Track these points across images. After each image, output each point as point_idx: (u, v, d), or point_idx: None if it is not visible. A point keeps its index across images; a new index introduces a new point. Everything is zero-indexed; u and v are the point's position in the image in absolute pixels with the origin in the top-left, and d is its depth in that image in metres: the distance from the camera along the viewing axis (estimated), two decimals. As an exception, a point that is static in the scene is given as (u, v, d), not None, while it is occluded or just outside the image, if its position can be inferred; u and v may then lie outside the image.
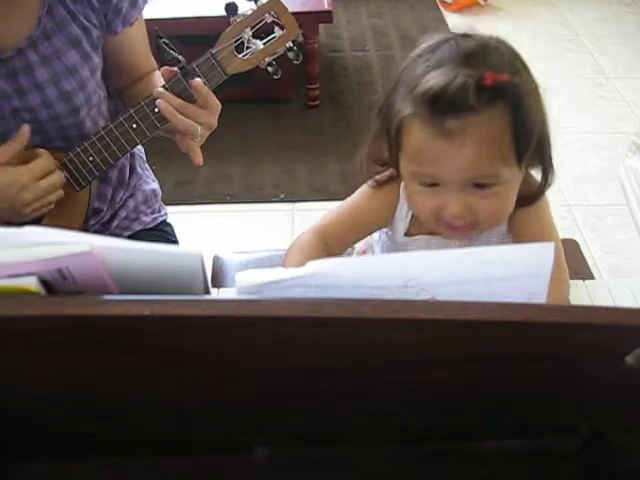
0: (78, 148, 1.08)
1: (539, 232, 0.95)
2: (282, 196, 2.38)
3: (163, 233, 1.32)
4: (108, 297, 0.49)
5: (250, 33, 1.07)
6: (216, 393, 0.59)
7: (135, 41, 1.16)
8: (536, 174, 0.91)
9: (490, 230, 0.94)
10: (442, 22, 3.38)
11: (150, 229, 1.30)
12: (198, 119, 1.05)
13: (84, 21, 1.07)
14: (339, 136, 2.62)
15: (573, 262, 1.27)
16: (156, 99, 1.04)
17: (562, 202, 2.28)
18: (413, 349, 0.53)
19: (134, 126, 1.07)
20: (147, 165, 1.35)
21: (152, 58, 1.22)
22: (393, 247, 1.02)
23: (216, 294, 1.08)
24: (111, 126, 1.07)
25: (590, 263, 1.37)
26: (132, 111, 1.06)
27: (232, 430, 0.67)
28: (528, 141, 0.82)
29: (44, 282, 0.51)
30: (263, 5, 1.06)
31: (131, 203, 1.27)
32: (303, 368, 0.56)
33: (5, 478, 0.68)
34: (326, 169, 2.48)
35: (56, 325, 0.49)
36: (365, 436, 0.68)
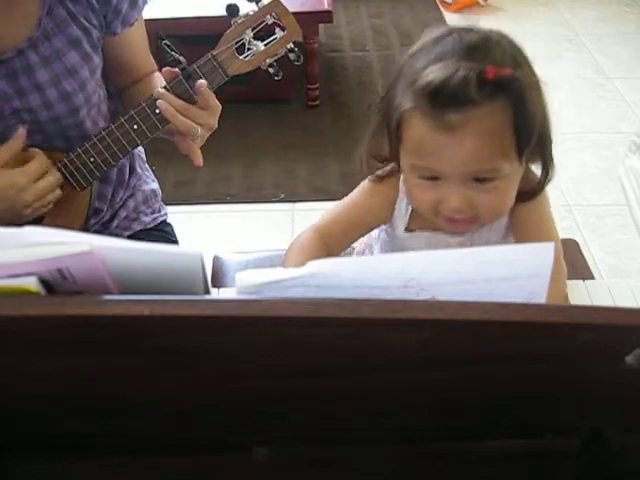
0: (79, 149, 1.08)
1: (538, 228, 0.95)
2: (282, 196, 2.38)
3: (163, 233, 1.32)
4: (108, 297, 0.49)
5: (251, 34, 1.07)
6: (216, 393, 0.59)
7: (135, 42, 1.16)
8: (536, 169, 0.91)
9: (490, 225, 0.94)
10: (442, 22, 3.38)
11: (150, 229, 1.30)
12: (199, 120, 1.05)
13: (84, 22, 1.07)
14: (339, 136, 2.62)
15: (573, 262, 1.27)
16: (157, 100, 1.04)
17: (562, 202, 2.28)
18: (413, 349, 0.53)
19: (135, 127, 1.07)
20: (147, 165, 1.35)
21: (152, 59, 1.22)
22: (392, 244, 1.02)
23: (216, 294, 1.08)
24: (112, 127, 1.07)
25: (590, 263, 1.37)
26: (133, 112, 1.06)
27: (232, 430, 0.67)
28: (529, 135, 0.81)
29: (44, 282, 0.51)
30: (264, 6, 1.06)
31: (131, 203, 1.28)
32: (303, 368, 0.56)
33: (5, 478, 0.68)
34: (326, 169, 2.48)
35: (56, 325, 0.49)
36: (365, 436, 0.68)
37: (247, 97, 2.65)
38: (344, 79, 3.00)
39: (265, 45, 1.08)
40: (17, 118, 1.07)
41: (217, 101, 1.07)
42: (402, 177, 0.94)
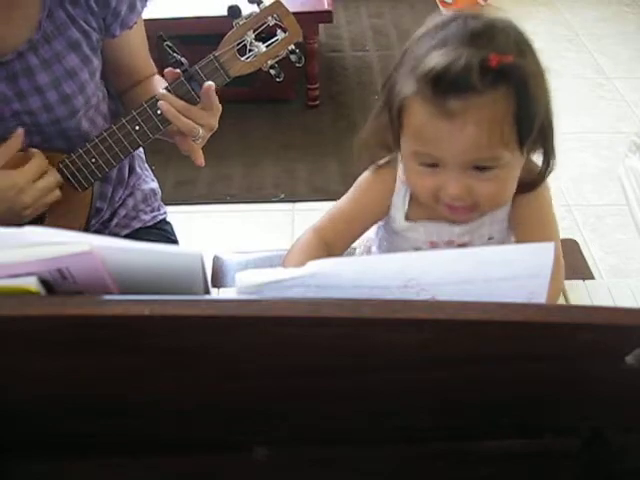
0: (80, 149, 1.08)
1: (539, 219, 0.95)
2: (282, 196, 2.38)
3: (162, 232, 1.32)
4: (108, 297, 0.49)
5: (252, 36, 1.07)
6: (216, 393, 0.59)
7: (134, 44, 1.17)
8: (537, 160, 0.90)
9: (492, 216, 0.93)
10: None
11: (149, 227, 1.31)
12: (200, 121, 1.06)
13: (83, 25, 1.07)
14: (339, 136, 2.62)
15: (573, 262, 1.27)
16: (158, 101, 1.04)
17: (562, 202, 2.28)
18: (413, 349, 0.53)
19: (137, 128, 1.07)
20: (146, 165, 1.36)
21: (151, 62, 1.22)
22: (391, 239, 1.01)
23: (216, 294, 1.08)
24: (114, 128, 1.07)
25: (590, 263, 1.37)
26: (135, 113, 1.06)
27: (232, 430, 0.67)
28: (531, 125, 0.81)
29: (44, 282, 0.51)
30: (265, 8, 1.06)
31: (130, 202, 1.28)
32: (303, 368, 0.56)
33: (5, 478, 0.68)
34: (326, 169, 2.48)
35: (56, 325, 0.49)
36: (365, 436, 0.68)
37: (247, 97, 2.65)
38: (344, 79, 3.00)
39: (266, 46, 1.08)
40: (17, 120, 1.07)
41: (218, 102, 1.07)
42: (400, 167, 0.94)
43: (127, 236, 1.27)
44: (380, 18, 3.49)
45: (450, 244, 0.96)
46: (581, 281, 1.05)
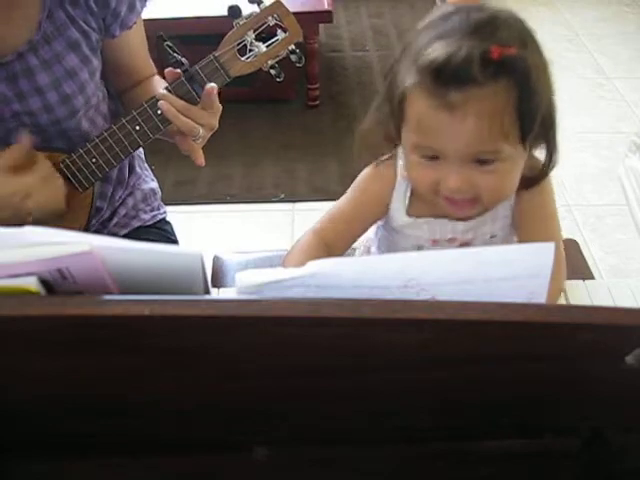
0: (81, 150, 1.08)
1: (542, 216, 0.94)
2: (282, 196, 2.38)
3: (162, 231, 1.32)
4: (108, 297, 0.49)
5: (253, 36, 1.07)
6: (216, 393, 0.59)
7: (134, 45, 1.17)
8: (539, 156, 0.89)
9: (495, 212, 0.93)
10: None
11: (149, 226, 1.31)
12: (200, 120, 1.06)
13: (83, 25, 1.07)
14: (339, 136, 2.62)
15: (573, 262, 1.27)
16: (159, 101, 1.05)
17: (562, 202, 2.28)
18: (413, 349, 0.53)
19: (137, 128, 1.07)
20: (146, 165, 1.36)
21: (151, 62, 1.22)
22: (392, 238, 1.01)
23: (216, 294, 1.08)
24: (114, 128, 1.07)
25: (590, 263, 1.37)
26: (135, 113, 1.06)
27: (232, 430, 0.67)
28: (533, 118, 0.80)
29: (44, 282, 0.51)
30: (266, 8, 1.06)
31: (130, 201, 1.28)
32: (303, 368, 0.56)
33: (5, 478, 0.68)
34: (326, 169, 2.48)
35: (56, 325, 0.49)
36: (365, 436, 0.68)
37: (247, 97, 2.65)
38: (344, 79, 3.00)
39: (267, 46, 1.08)
40: (17, 121, 1.07)
41: (218, 102, 1.07)
42: (400, 163, 0.93)
43: (126, 235, 1.27)
44: (380, 18, 3.49)
45: (452, 242, 0.96)
46: (581, 281, 1.05)
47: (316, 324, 0.49)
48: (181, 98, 1.05)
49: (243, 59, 1.07)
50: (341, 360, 0.55)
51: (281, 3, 1.06)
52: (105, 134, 1.07)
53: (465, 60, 0.75)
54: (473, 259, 0.53)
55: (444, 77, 0.76)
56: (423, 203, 0.93)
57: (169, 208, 1.38)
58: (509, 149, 0.80)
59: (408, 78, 0.81)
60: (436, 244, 0.97)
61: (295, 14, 1.08)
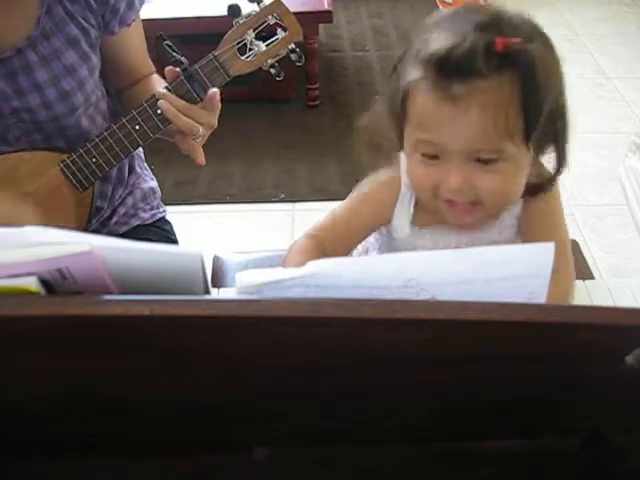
0: (81, 149, 1.08)
1: (549, 224, 0.93)
2: (282, 196, 2.38)
3: (162, 230, 1.32)
4: (108, 297, 0.49)
5: (253, 35, 1.07)
6: (216, 393, 0.59)
7: (132, 42, 1.17)
8: (547, 164, 0.87)
9: (501, 221, 0.91)
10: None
11: (148, 225, 1.31)
12: (200, 119, 1.06)
13: (82, 21, 1.07)
14: (339, 136, 2.62)
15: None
16: (158, 100, 1.04)
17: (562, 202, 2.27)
18: (413, 349, 0.53)
19: (137, 127, 1.07)
20: (146, 164, 1.36)
21: (150, 61, 1.22)
22: (393, 246, 0.99)
23: (216, 294, 1.08)
24: (114, 127, 1.07)
25: (590, 263, 1.37)
26: (135, 112, 1.06)
27: (232, 430, 0.67)
28: (537, 114, 0.78)
29: (44, 282, 0.51)
30: (266, 7, 1.06)
31: (130, 201, 1.28)
32: (303, 368, 0.56)
33: (5, 478, 0.68)
34: (326, 169, 2.48)
35: (56, 325, 0.49)
36: (365, 436, 0.68)
37: (247, 97, 2.65)
38: (344, 79, 3.00)
39: (267, 45, 1.08)
40: (16, 118, 1.07)
41: (218, 100, 1.07)
42: (404, 172, 0.92)
43: (125, 233, 1.27)
44: (380, 18, 3.49)
45: None
46: (581, 281, 1.05)
47: (316, 324, 0.49)
48: (181, 97, 1.05)
49: (243, 58, 1.07)
50: (341, 360, 0.55)
51: (281, 2, 1.06)
52: (105, 133, 1.07)
53: (469, 51, 0.74)
54: (473, 259, 0.53)
55: (447, 69, 0.75)
56: (426, 214, 0.92)
57: (169, 208, 1.38)
58: (512, 148, 0.79)
59: (411, 73, 0.80)
60: None
61: (295, 14, 1.08)
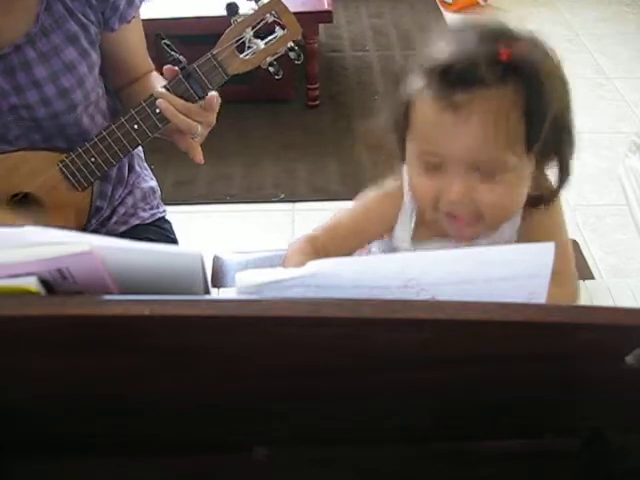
0: (80, 149, 1.08)
1: (548, 235, 0.92)
2: (282, 196, 2.38)
3: (162, 230, 1.32)
4: (108, 297, 0.49)
5: (251, 33, 1.06)
6: (216, 393, 0.59)
7: (132, 40, 1.17)
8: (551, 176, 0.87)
9: (501, 233, 0.91)
10: (442, 22, 3.38)
11: (148, 224, 1.31)
12: (198, 118, 1.06)
13: (82, 18, 1.07)
14: (339, 136, 2.62)
15: (573, 262, 1.27)
16: (157, 99, 1.04)
17: (562, 202, 2.27)
18: (413, 349, 0.53)
19: (136, 127, 1.07)
20: (146, 164, 1.36)
21: (149, 59, 1.22)
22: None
23: (216, 294, 1.08)
24: (113, 127, 1.07)
25: (590, 263, 1.37)
26: (133, 112, 1.06)
27: (232, 430, 0.67)
28: (540, 125, 0.77)
29: (44, 282, 0.51)
30: (264, 5, 1.05)
31: (129, 200, 1.28)
32: (303, 368, 0.56)
33: (5, 478, 0.68)
34: (326, 169, 2.48)
35: (56, 325, 0.49)
36: (365, 436, 0.68)
37: (247, 97, 2.65)
38: (344, 79, 3.00)
39: (265, 44, 1.08)
40: (15, 115, 1.07)
41: (218, 97, 1.07)
42: (405, 180, 0.92)
43: (126, 233, 1.27)
44: (380, 18, 3.49)
45: None
46: (581, 281, 1.05)
47: (316, 324, 0.49)
48: (179, 96, 1.04)
49: (241, 56, 1.07)
50: (341, 360, 0.55)
51: (279, 0, 1.06)
52: (104, 133, 1.07)
53: (472, 61, 0.74)
54: (473, 259, 0.53)
55: (451, 78, 0.75)
56: (427, 228, 0.92)
57: (169, 208, 1.38)
58: (514, 160, 0.78)
59: (414, 83, 0.80)
60: None
61: (295, 14, 1.08)
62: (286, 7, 1.06)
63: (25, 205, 1.11)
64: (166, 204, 1.37)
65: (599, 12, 3.50)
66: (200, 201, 2.37)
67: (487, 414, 0.65)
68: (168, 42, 1.04)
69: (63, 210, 1.11)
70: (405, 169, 0.90)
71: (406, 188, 0.93)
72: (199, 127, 1.06)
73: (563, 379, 0.58)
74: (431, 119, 0.79)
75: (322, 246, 0.95)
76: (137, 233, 1.27)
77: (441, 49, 0.77)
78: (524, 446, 0.69)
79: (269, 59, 1.09)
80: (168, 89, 1.05)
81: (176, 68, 1.05)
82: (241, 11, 1.06)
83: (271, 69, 1.11)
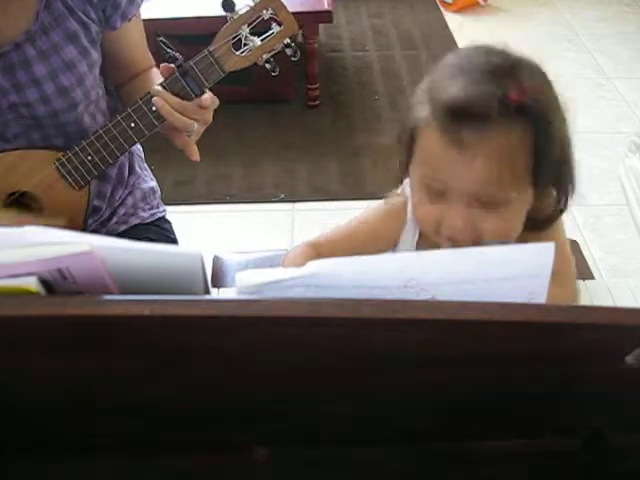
0: (76, 147, 1.08)
1: (548, 237, 0.93)
2: (282, 196, 2.37)
3: (162, 229, 1.32)
4: (108, 297, 0.49)
5: (247, 30, 1.06)
6: (216, 393, 0.59)
7: (133, 37, 1.17)
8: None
9: None
10: (442, 22, 3.38)
11: (148, 224, 1.30)
12: (194, 116, 1.06)
13: (82, 16, 1.07)
14: (339, 136, 2.62)
15: (573, 262, 1.27)
16: (153, 97, 1.04)
17: (562, 202, 2.27)
18: (413, 349, 0.53)
19: (132, 125, 1.07)
20: (146, 165, 1.36)
21: (150, 55, 1.22)
22: None
23: (216, 294, 1.08)
24: (109, 125, 1.07)
25: (590, 263, 1.37)
26: (130, 110, 1.06)
27: (232, 430, 0.67)
28: (547, 164, 0.78)
29: (44, 282, 0.51)
30: (260, 1, 1.05)
31: (129, 201, 1.28)
32: (303, 368, 0.56)
33: (5, 478, 0.68)
34: (326, 169, 2.48)
35: (56, 325, 0.49)
36: (365, 436, 0.68)
37: (247, 97, 2.65)
38: (344, 79, 3.00)
39: (262, 40, 1.07)
40: (15, 113, 1.07)
41: (214, 96, 1.07)
42: (409, 198, 0.92)
43: (125, 232, 1.27)
44: (380, 18, 3.49)
45: None
46: (581, 281, 1.05)
47: (316, 324, 0.49)
48: (176, 94, 1.04)
49: (238, 53, 1.06)
50: (341, 360, 0.55)
51: None
52: (100, 131, 1.07)
53: (484, 101, 0.74)
54: (473, 259, 0.53)
55: (460, 115, 0.75)
56: (430, 246, 0.91)
57: (169, 208, 1.38)
58: (517, 196, 0.79)
59: (422, 112, 0.80)
60: None
61: (295, 14, 1.07)
62: (282, 3, 1.06)
63: (22, 204, 1.11)
64: (166, 204, 1.37)
65: (599, 12, 3.50)
66: (200, 201, 2.37)
67: (487, 414, 0.65)
68: (164, 40, 1.03)
69: (60, 209, 1.10)
70: (408, 185, 0.90)
71: (409, 207, 0.93)
72: (195, 125, 1.06)
73: (563, 379, 0.58)
74: (436, 150, 0.79)
75: (324, 253, 0.94)
76: (137, 233, 1.27)
77: (450, 84, 0.77)
78: (524, 446, 0.69)
79: (265, 56, 1.09)
80: (164, 87, 1.05)
81: (172, 66, 1.05)
82: (237, 8, 1.06)
83: (268, 66, 1.11)
